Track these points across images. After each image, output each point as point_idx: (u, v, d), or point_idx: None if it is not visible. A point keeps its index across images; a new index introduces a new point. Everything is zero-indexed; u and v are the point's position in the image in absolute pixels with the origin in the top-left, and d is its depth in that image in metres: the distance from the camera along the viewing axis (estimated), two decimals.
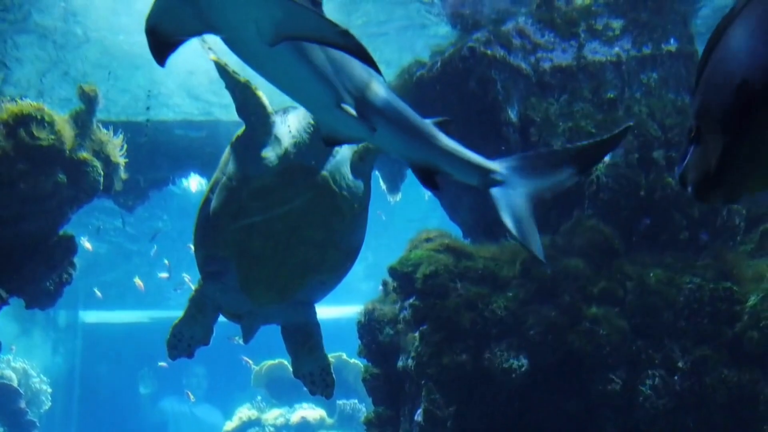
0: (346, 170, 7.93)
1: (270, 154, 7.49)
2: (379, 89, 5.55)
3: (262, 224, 7.64)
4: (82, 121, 10.28)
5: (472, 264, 9.90)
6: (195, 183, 21.42)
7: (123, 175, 11.09)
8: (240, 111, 7.62)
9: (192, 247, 8.35)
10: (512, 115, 11.33)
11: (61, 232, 11.12)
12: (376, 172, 16.06)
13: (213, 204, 7.78)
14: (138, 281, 27.90)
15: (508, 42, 11.50)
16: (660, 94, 11.54)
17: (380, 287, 11.03)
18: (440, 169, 6.06)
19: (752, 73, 2.60)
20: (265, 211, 7.56)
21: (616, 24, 11.75)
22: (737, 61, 2.67)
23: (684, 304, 9.38)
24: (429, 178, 6.07)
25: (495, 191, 6.15)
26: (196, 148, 14.85)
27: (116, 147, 10.77)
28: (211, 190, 7.91)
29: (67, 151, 10.06)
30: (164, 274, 26.79)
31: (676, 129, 11.00)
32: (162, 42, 4.73)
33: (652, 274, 9.59)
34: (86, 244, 24.04)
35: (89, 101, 10.32)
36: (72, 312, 36.43)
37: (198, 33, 4.76)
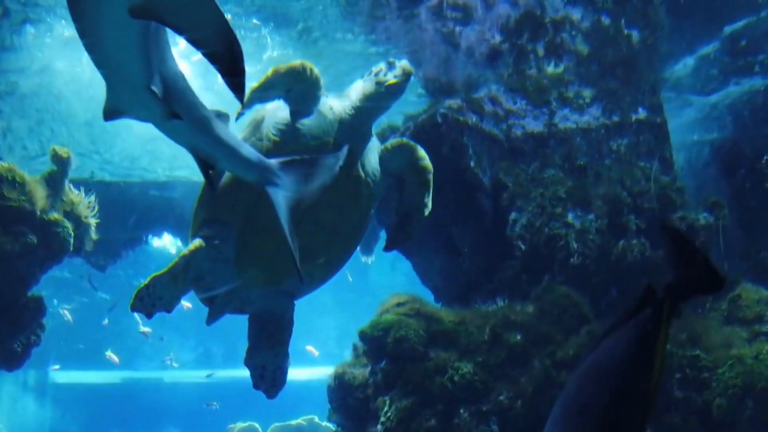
0: (375, 160, 7.92)
1: (310, 125, 7.53)
2: (182, 77, 5.45)
3: None
4: (54, 182, 10.29)
5: (443, 329, 9.89)
6: (169, 241, 21.30)
7: (94, 235, 11.05)
8: (293, 96, 7.51)
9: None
10: (485, 180, 11.46)
11: (30, 293, 11.03)
12: None
13: None
14: (111, 354, 27.53)
15: (481, 109, 11.69)
16: (629, 161, 11.74)
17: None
18: (221, 162, 5.95)
19: None
20: None
21: (587, 92, 11.99)
22: None
23: None
24: (207, 170, 5.94)
25: (272, 190, 6.14)
26: (170, 208, 14.86)
27: (88, 207, 10.75)
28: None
29: (38, 212, 10.04)
30: (146, 329, 26.56)
31: (645, 195, 11.16)
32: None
33: None
34: (66, 313, 23.99)
35: (62, 163, 10.35)
36: (42, 372, 35.87)
37: None
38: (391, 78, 7.67)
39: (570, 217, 10.79)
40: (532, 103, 11.98)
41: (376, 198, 8.10)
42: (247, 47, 13.62)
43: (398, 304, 10.33)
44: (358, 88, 7.83)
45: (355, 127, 7.64)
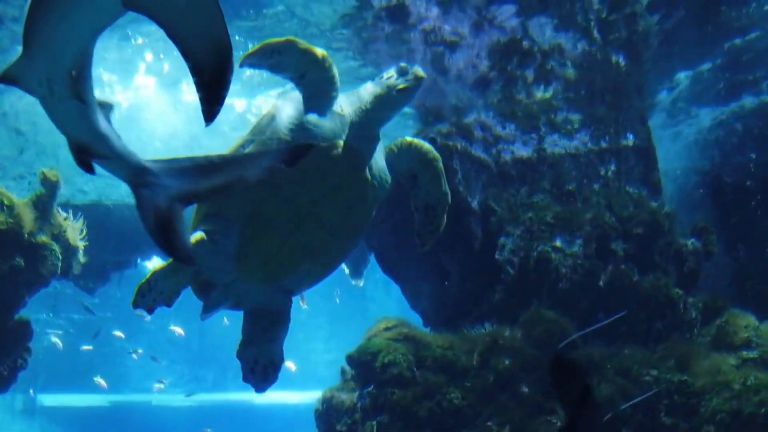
0: (382, 162, 7.91)
1: (322, 127, 7.56)
2: (91, 57, 5.22)
3: (287, 191, 7.42)
4: (43, 205, 10.27)
5: (431, 353, 9.88)
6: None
7: (82, 258, 11.02)
8: (306, 83, 7.49)
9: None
10: (474, 204, 11.49)
11: (17, 317, 10.97)
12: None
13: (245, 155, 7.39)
14: (99, 380, 27.43)
15: (470, 134, 11.74)
16: (618, 186, 11.80)
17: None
18: (96, 152, 5.59)
19: None
20: (297, 179, 7.32)
21: (575, 118, 12.06)
22: None
23: (641, 396, 9.38)
24: (84, 159, 5.62)
25: (143, 192, 5.72)
26: None
27: (76, 231, 10.74)
28: (242, 146, 7.69)
29: (26, 235, 10.02)
30: (139, 350, 26.58)
31: (633, 221, 11.21)
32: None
33: (609, 366, 9.62)
34: (57, 341, 23.98)
35: (51, 186, 10.34)
36: (30, 395, 35.63)
37: None
38: (402, 83, 7.65)
39: (558, 242, 10.82)
40: (521, 128, 12.04)
41: (380, 200, 8.07)
42: None
43: (387, 329, 10.32)
44: (369, 91, 7.74)
45: (364, 130, 7.61)
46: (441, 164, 8.09)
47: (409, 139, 8.06)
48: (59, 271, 10.60)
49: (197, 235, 7.53)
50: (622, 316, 10.28)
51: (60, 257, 10.49)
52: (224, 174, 5.78)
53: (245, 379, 8.28)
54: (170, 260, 7.42)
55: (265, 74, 9.96)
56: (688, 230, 11.72)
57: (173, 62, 12.92)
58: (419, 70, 7.61)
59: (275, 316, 8.24)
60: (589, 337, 10.15)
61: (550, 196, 11.43)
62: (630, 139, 12.23)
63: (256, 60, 7.22)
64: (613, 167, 11.98)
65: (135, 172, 5.52)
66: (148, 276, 7.47)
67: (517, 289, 10.73)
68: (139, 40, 12.14)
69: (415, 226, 8.21)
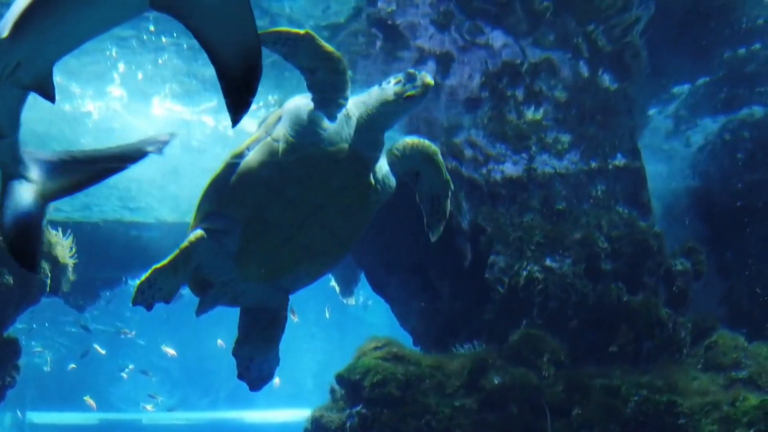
0: (385, 165, 7.91)
1: (329, 130, 7.55)
2: None
3: (292, 193, 7.45)
4: None
5: (420, 373, 9.87)
6: None
7: (71, 276, 10.99)
8: (318, 81, 7.48)
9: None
10: (464, 223, 11.52)
11: (5, 335, 10.91)
12: (330, 275, 16.13)
13: (248, 158, 7.52)
14: (89, 400, 27.29)
15: (460, 153, 11.78)
16: (608, 206, 11.83)
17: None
18: (3, 134, 5.36)
19: None
20: (302, 181, 7.41)
21: (565, 138, 12.11)
22: None
23: (630, 416, 9.38)
24: None
25: (15, 183, 5.24)
26: (150, 249, 14.84)
27: (65, 248, 10.70)
28: (248, 146, 7.68)
29: None
30: (129, 366, 26.46)
31: (623, 240, 11.24)
32: None
33: (599, 386, 9.61)
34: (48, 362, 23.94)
35: None
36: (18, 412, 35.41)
37: None
38: (410, 89, 7.64)
39: (548, 262, 10.84)
40: (512, 147, 12.08)
41: (382, 203, 8.12)
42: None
43: (376, 348, 10.31)
44: (376, 96, 7.72)
45: (370, 135, 7.63)
46: (440, 156, 8.18)
47: (409, 140, 8.07)
48: (48, 289, 10.56)
49: (197, 233, 7.58)
50: (612, 336, 10.32)
51: (49, 275, 10.45)
52: (86, 171, 5.59)
53: (240, 376, 8.22)
54: (171, 257, 7.43)
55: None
56: (678, 250, 11.75)
57: (146, 74, 12.96)
58: (427, 77, 7.59)
59: (272, 315, 8.21)
60: (578, 357, 10.16)
61: (540, 216, 11.47)
62: (620, 159, 12.29)
63: (269, 43, 7.17)
64: (602, 187, 12.02)
65: (14, 161, 5.29)
66: (148, 273, 7.42)
67: (506, 308, 10.73)
68: (114, 52, 12.14)
69: (424, 215, 8.29)
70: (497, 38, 11.20)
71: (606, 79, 11.98)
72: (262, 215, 7.53)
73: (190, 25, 3.75)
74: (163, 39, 11.83)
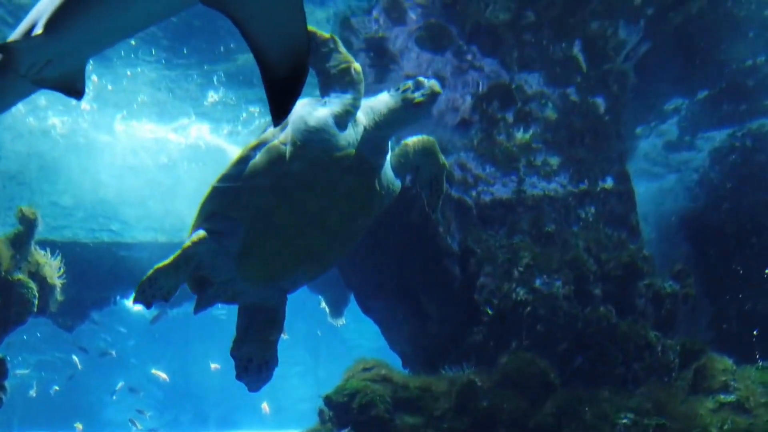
0: (389, 170, 7.91)
1: (338, 134, 7.45)
2: None
3: (297, 196, 7.48)
4: (21, 243, 10.21)
5: (409, 395, 9.84)
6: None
7: (59, 296, 10.94)
8: (331, 86, 7.54)
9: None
10: (453, 245, 11.51)
11: None
12: (320, 296, 16.11)
13: (255, 161, 7.54)
14: (78, 426, 27.14)
15: (450, 175, 11.78)
16: (597, 228, 11.85)
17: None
18: None
19: None
20: (308, 186, 7.45)
21: (554, 160, 12.15)
22: None
23: None
24: None
25: None
26: (139, 269, 14.79)
27: (53, 268, 10.67)
28: (254, 149, 7.64)
29: (2, 273, 9.94)
30: (119, 384, 26.34)
31: (612, 263, 11.25)
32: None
33: (587, 409, 9.59)
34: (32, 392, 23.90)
35: (29, 224, 10.29)
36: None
37: None
38: (418, 96, 7.66)
39: (537, 284, 10.83)
40: (501, 169, 12.11)
41: (384, 207, 8.13)
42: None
43: (365, 369, 10.27)
44: (384, 103, 7.76)
45: (377, 141, 7.66)
46: (436, 144, 8.26)
47: (410, 142, 8.13)
48: (35, 309, 10.51)
49: (199, 234, 7.61)
50: (600, 358, 10.31)
51: (37, 295, 10.41)
52: None
53: (239, 377, 8.18)
54: (173, 257, 7.46)
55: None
56: (667, 273, 11.76)
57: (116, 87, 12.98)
58: (436, 85, 7.66)
59: (270, 314, 8.21)
60: (567, 379, 10.14)
61: (529, 238, 11.48)
62: (609, 182, 12.32)
63: None
64: (592, 209, 12.05)
65: None
66: (149, 273, 7.45)
67: (495, 330, 10.72)
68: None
69: (424, 200, 8.44)
70: (489, 62, 11.28)
71: (595, 102, 12.05)
72: (266, 218, 7.54)
73: (239, 22, 3.58)
74: (141, 53, 11.86)
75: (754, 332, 12.64)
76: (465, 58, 11.62)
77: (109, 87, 13.18)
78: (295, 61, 3.60)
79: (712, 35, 11.79)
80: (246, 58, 11.71)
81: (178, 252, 7.53)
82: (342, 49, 7.58)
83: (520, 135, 12.15)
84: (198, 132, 15.28)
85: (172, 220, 16.15)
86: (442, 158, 8.33)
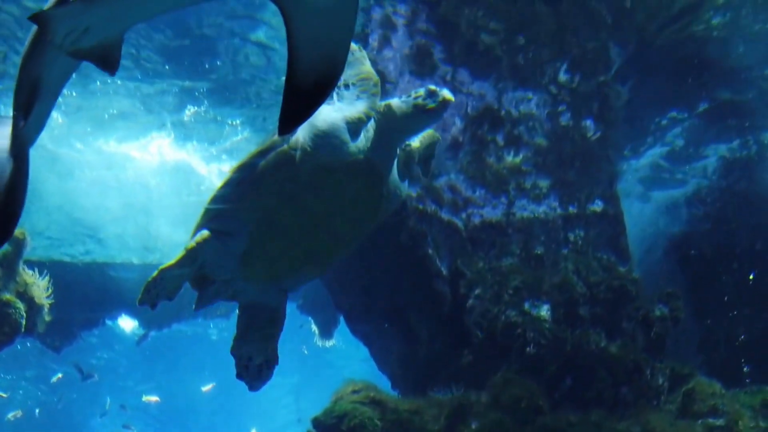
0: (396, 175, 7.94)
1: (348, 140, 7.41)
2: None
3: (304, 200, 7.48)
4: (8, 263, 10.18)
5: (398, 417, 9.80)
6: (129, 325, 21.17)
7: (47, 316, 10.90)
8: (348, 96, 7.50)
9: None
10: (443, 268, 11.52)
11: None
12: (309, 317, 16.10)
13: (263, 164, 7.50)
14: None
15: (440, 197, 11.82)
16: (586, 251, 11.88)
17: None
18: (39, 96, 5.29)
19: None
20: (316, 191, 7.44)
21: (544, 183, 12.19)
22: None
23: None
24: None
25: None
26: (129, 290, 14.74)
27: (41, 289, 10.64)
28: (260, 155, 7.64)
29: None
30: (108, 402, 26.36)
31: (601, 286, 11.27)
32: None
33: None
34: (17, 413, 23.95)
35: (17, 244, 10.26)
36: None
37: None
38: (430, 103, 7.72)
39: (527, 306, 10.84)
40: (491, 192, 12.15)
41: (389, 212, 8.17)
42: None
43: (354, 391, 10.24)
44: (395, 108, 7.84)
45: (386, 147, 7.70)
46: (436, 133, 8.32)
47: (413, 144, 8.16)
48: (23, 329, 10.46)
49: (204, 234, 7.58)
50: (589, 382, 10.31)
51: (24, 315, 10.36)
52: None
53: (239, 376, 8.14)
54: (177, 258, 7.40)
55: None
56: (656, 296, 11.78)
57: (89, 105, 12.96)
58: (447, 93, 7.71)
59: (270, 313, 8.20)
60: (556, 402, 10.13)
61: (519, 260, 11.50)
62: (599, 205, 12.37)
63: None
64: (581, 232, 12.09)
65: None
66: (155, 273, 7.40)
67: (485, 353, 10.71)
68: None
69: (420, 171, 8.39)
70: (477, 84, 11.34)
71: (585, 124, 12.12)
72: (272, 221, 7.56)
73: (289, 17, 3.43)
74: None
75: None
76: (455, 80, 11.68)
77: (80, 101, 13.22)
78: (326, 72, 3.50)
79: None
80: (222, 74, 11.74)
81: (182, 252, 7.52)
82: (366, 61, 7.65)
83: (510, 158, 12.20)
84: (168, 148, 15.26)
85: (150, 239, 16.15)
86: (436, 134, 8.39)
